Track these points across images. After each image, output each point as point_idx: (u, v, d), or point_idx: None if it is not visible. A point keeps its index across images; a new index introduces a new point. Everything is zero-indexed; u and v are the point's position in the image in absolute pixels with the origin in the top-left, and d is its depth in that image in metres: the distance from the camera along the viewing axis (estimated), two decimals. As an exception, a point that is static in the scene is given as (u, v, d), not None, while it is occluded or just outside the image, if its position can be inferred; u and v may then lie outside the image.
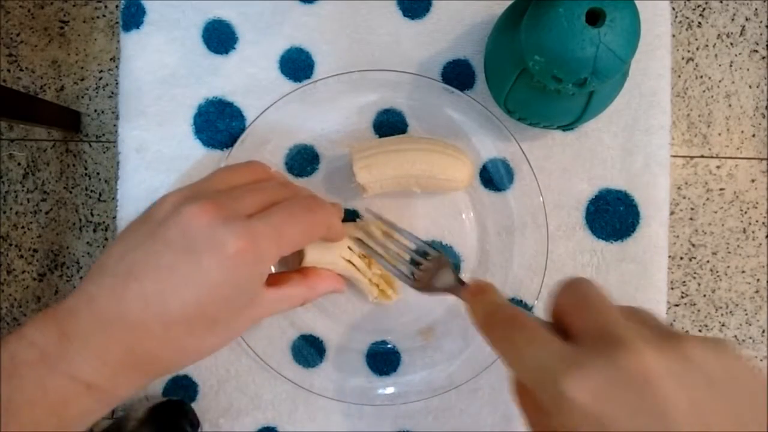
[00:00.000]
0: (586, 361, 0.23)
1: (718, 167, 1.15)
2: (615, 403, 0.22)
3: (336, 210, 0.38)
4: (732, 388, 0.22)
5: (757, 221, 1.15)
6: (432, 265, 0.37)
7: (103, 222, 1.14)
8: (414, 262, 0.38)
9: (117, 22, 1.15)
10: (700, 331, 1.15)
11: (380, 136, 0.43)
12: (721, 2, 1.16)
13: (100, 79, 1.15)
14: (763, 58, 1.16)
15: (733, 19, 1.16)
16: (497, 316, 0.28)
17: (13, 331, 0.29)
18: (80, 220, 1.14)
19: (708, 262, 1.15)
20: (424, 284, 0.37)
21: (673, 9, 1.16)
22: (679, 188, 1.16)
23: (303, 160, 0.43)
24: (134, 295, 0.30)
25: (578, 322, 0.25)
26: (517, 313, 0.28)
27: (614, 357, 0.22)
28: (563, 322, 0.26)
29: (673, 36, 1.15)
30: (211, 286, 0.30)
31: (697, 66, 1.16)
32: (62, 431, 0.29)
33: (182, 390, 0.42)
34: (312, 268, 0.39)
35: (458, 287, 0.35)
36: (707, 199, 1.15)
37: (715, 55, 1.16)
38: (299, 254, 0.38)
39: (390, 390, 0.42)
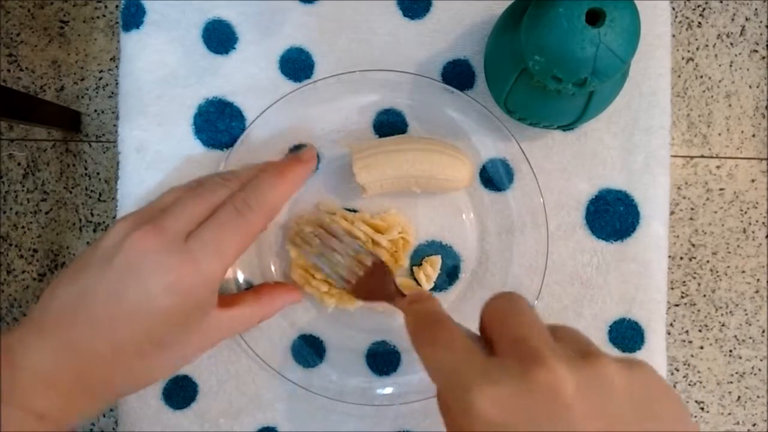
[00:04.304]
0: (498, 374, 0.23)
1: (718, 167, 1.15)
2: (521, 415, 0.22)
3: (280, 181, 0.36)
4: (643, 402, 0.23)
5: (757, 221, 1.15)
6: (370, 272, 0.37)
7: (103, 222, 1.14)
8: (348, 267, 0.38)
9: (117, 22, 1.15)
10: (700, 331, 1.15)
11: (380, 136, 0.43)
12: (721, 2, 1.16)
13: (100, 79, 1.15)
14: (763, 58, 1.16)
15: (733, 19, 1.16)
16: (425, 321, 0.29)
17: None
18: (80, 220, 1.14)
19: (708, 262, 1.15)
20: (360, 291, 0.37)
21: (673, 9, 1.16)
22: (679, 188, 1.16)
23: (303, 160, 0.43)
24: (83, 320, 0.30)
25: (497, 333, 0.25)
26: (443, 319, 0.28)
27: (526, 370, 0.22)
28: (486, 334, 0.26)
29: (673, 36, 1.15)
30: (159, 312, 0.30)
31: (697, 66, 1.16)
32: None
33: (182, 390, 0.42)
34: (265, 285, 0.40)
35: (396, 297, 0.36)
36: (707, 199, 1.15)
37: (715, 55, 1.16)
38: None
39: (390, 390, 0.42)
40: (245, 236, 0.34)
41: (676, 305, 1.16)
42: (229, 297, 0.36)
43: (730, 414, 1.15)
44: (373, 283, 0.37)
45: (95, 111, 1.15)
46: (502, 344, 0.25)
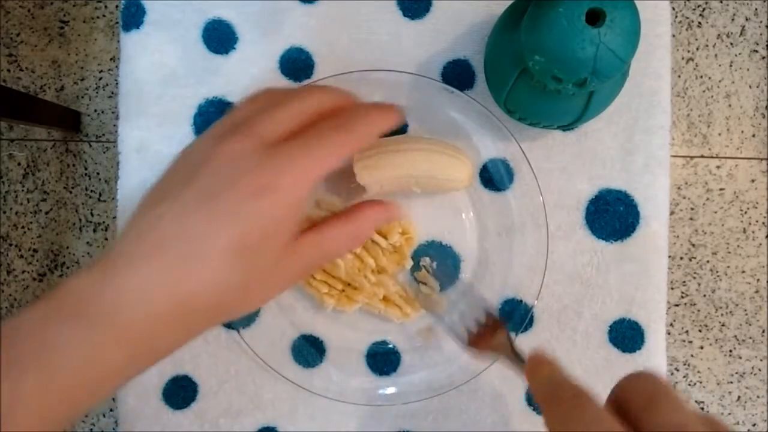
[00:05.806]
0: None
1: (718, 167, 1.15)
2: None
3: (376, 120, 0.34)
4: None
5: (757, 221, 1.15)
6: (489, 328, 0.37)
7: (103, 222, 1.14)
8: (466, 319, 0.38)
9: (117, 22, 1.15)
10: (700, 331, 1.15)
11: (380, 136, 0.43)
12: (721, 2, 1.16)
13: (100, 79, 1.15)
14: (763, 58, 1.16)
15: (733, 19, 1.16)
16: (562, 395, 0.29)
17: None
18: (80, 220, 1.14)
19: (708, 262, 1.15)
20: (476, 345, 0.37)
21: (673, 9, 1.16)
22: (679, 188, 1.16)
23: (303, 160, 0.43)
24: (176, 254, 0.28)
25: (651, 418, 0.26)
26: (581, 395, 0.28)
27: None
28: (629, 412, 0.27)
29: (673, 36, 1.15)
30: (249, 216, 0.29)
31: (697, 66, 1.16)
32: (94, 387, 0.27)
33: (182, 390, 0.42)
34: (355, 206, 0.35)
35: (513, 355, 0.35)
36: (707, 199, 1.15)
37: (715, 55, 1.16)
38: None
39: (390, 390, 0.42)
40: (337, 153, 0.32)
41: (676, 305, 1.16)
42: (313, 225, 0.33)
43: (730, 414, 1.15)
44: (488, 336, 0.37)
45: (95, 111, 1.15)
46: (653, 429, 0.25)
